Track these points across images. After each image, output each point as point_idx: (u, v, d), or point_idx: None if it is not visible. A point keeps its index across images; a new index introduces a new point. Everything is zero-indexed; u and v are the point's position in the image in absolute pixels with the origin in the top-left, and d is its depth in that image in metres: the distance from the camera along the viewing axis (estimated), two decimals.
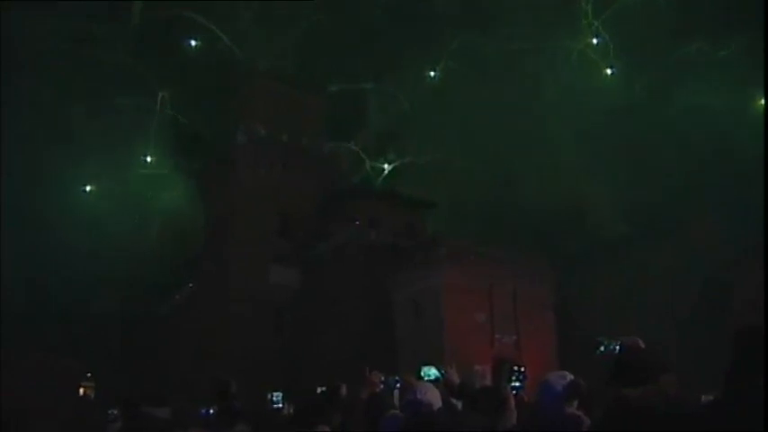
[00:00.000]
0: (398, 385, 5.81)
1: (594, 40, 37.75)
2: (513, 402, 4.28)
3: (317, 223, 37.25)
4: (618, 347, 3.44)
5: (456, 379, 5.10)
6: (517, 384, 4.29)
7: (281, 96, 38.94)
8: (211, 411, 6.78)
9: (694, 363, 16.27)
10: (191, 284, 39.97)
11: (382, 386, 5.93)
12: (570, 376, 3.64)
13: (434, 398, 4.13)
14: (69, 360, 32.94)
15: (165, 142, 39.07)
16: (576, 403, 3.63)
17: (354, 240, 34.50)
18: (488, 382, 4.77)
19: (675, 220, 31.01)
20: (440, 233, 33.12)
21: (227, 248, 36.66)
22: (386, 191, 39.98)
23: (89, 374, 35.82)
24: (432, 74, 40.66)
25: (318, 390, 5.70)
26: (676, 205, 31.10)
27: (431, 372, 5.43)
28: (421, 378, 5.42)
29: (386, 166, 41.31)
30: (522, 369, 4.37)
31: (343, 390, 5.48)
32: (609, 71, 36.77)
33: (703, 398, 3.98)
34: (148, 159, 39.18)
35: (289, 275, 35.89)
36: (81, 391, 36.17)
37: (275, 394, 6.40)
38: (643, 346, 3.50)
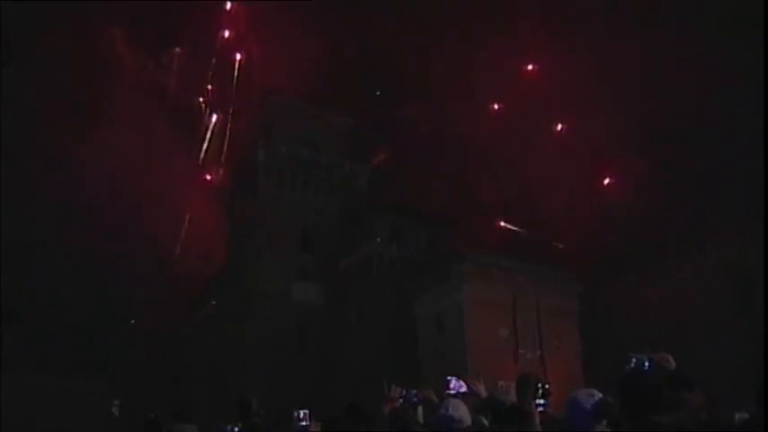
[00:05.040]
0: (416, 399, 5.76)
1: None
2: (538, 419, 4.21)
3: (338, 239, 37.32)
4: (647, 363, 3.35)
5: (483, 392, 5.04)
6: (542, 401, 4.21)
7: (302, 113, 39.24)
8: (236, 429, 6.76)
9: (728, 377, 15.85)
10: (213, 302, 40.22)
11: (401, 400, 5.88)
12: (599, 394, 3.56)
13: (464, 414, 4.12)
14: (96, 382, 33.17)
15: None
16: (605, 422, 3.55)
17: (376, 256, 34.49)
18: (512, 397, 4.69)
19: (706, 231, 30.35)
20: (462, 247, 32.95)
21: (251, 265, 36.85)
22: (407, 206, 39.97)
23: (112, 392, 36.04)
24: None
25: (346, 407, 5.66)
26: (705, 216, 30.49)
27: (459, 384, 5.36)
28: (448, 392, 5.35)
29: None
30: (547, 386, 4.29)
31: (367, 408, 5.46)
32: None
33: (737, 416, 3.86)
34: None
35: (311, 292, 35.96)
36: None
37: (302, 412, 6.35)
38: (673, 362, 3.41)
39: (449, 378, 5.16)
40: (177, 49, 38.19)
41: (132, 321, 40.34)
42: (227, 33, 38.45)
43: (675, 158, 32.15)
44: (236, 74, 38.77)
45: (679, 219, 31.90)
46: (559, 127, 36.19)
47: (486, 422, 4.74)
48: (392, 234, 35.97)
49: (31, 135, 33.67)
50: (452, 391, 5.14)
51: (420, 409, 5.73)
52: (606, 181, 35.19)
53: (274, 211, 37.12)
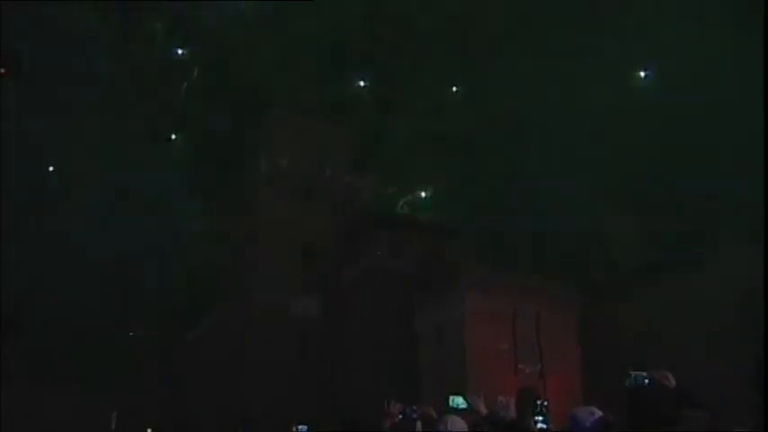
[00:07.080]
0: (415, 415, 5.76)
1: (643, 74, 37.87)
2: None
3: (339, 252, 37.25)
4: (647, 381, 3.33)
5: (483, 409, 5.02)
6: (540, 419, 4.21)
7: (303, 127, 39.29)
8: None
9: (729, 394, 15.75)
10: (212, 314, 40.12)
11: (401, 416, 5.88)
12: (599, 412, 3.54)
13: (463, 430, 4.11)
14: (94, 394, 33.00)
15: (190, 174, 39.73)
16: None
17: (377, 269, 34.42)
18: (512, 413, 4.67)
19: (704, 247, 30.26)
20: (462, 260, 32.87)
21: (252, 278, 36.76)
22: (408, 219, 39.96)
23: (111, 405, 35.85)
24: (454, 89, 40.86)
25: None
26: (705, 231, 30.45)
27: (458, 401, 5.36)
28: (449, 407, 5.35)
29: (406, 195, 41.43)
30: (546, 403, 4.28)
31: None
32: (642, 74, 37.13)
33: None
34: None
35: (311, 305, 35.85)
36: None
37: (300, 427, 6.29)
38: (673, 379, 3.39)
39: (451, 397, 5.14)
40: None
41: (131, 334, 40.24)
42: None
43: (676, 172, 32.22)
44: None
45: (680, 231, 31.90)
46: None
47: None
48: (392, 247, 35.88)
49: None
50: (454, 407, 5.13)
51: (419, 424, 5.72)
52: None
53: (274, 223, 37.08)
